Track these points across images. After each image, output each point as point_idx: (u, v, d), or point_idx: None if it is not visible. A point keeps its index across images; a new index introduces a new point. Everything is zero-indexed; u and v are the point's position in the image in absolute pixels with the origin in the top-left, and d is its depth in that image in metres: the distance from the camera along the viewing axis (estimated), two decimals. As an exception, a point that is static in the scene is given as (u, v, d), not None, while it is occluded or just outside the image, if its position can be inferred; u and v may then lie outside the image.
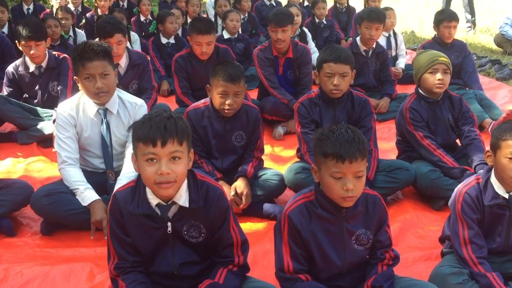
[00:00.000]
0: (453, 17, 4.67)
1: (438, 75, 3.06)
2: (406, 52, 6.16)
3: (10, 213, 2.75)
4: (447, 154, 3.06)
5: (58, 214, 2.65)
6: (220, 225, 1.99)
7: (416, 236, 2.72)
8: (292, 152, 3.82)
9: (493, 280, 2.05)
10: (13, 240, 2.64)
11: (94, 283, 2.29)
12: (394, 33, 5.95)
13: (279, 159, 3.82)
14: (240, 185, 2.92)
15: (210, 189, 1.98)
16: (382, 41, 5.60)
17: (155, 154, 1.80)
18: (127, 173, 2.75)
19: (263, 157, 3.27)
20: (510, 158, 2.05)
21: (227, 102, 2.92)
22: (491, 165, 2.17)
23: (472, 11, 8.60)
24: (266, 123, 4.31)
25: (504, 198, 2.14)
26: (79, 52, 2.76)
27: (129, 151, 2.86)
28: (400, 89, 5.10)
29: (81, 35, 6.14)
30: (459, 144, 3.26)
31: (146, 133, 1.79)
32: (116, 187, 2.62)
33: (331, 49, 3.07)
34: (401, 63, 5.78)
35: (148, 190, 1.92)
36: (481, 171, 2.70)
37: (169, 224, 1.95)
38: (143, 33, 7.06)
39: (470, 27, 8.62)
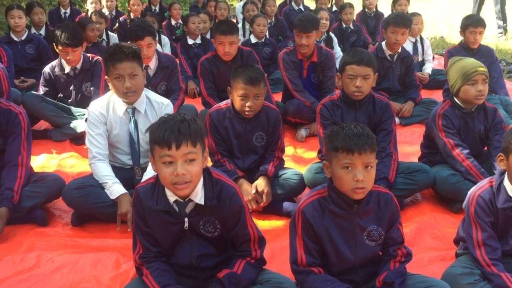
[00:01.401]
0: (479, 23, 4.65)
1: (479, 86, 2.99)
2: (433, 57, 6.14)
3: (43, 205, 2.92)
4: (476, 165, 2.99)
5: (88, 206, 2.80)
6: (235, 223, 2.07)
7: (433, 237, 2.75)
8: (314, 154, 3.88)
9: (506, 280, 2.08)
10: (45, 229, 2.80)
11: (120, 271, 2.42)
12: (421, 39, 5.95)
13: (301, 160, 3.90)
14: (261, 183, 3.01)
15: (224, 188, 2.07)
16: (408, 46, 5.62)
17: (170, 156, 1.89)
18: (152, 170, 2.88)
19: (285, 157, 3.36)
20: None
21: (247, 104, 3.01)
22: (504, 169, 2.19)
23: (504, 18, 8.48)
24: (289, 125, 4.41)
25: (516, 201, 2.16)
26: (110, 53, 2.91)
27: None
28: (426, 94, 5.12)
29: (114, 38, 6.37)
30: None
31: (161, 136, 1.88)
32: (142, 182, 2.76)
33: (354, 52, 3.13)
34: (428, 68, 5.77)
35: (166, 188, 2.03)
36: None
37: (186, 219, 2.05)
38: (174, 37, 7.25)
39: (501, 33, 8.50)
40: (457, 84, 3.07)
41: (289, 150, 3.98)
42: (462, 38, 4.81)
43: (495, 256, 2.13)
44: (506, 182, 2.17)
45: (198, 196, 2.02)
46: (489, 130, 3.15)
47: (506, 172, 2.17)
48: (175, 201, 2.03)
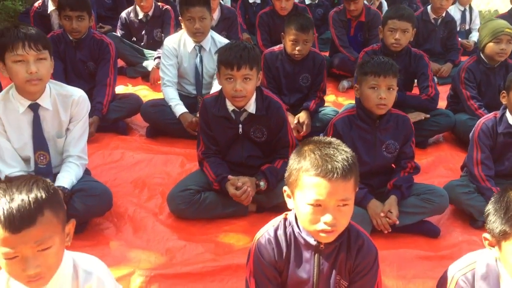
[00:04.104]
0: None
1: (502, 45, 3.37)
2: (481, 27, 6.33)
3: (125, 118, 3.59)
4: (486, 113, 3.36)
5: (160, 121, 3.44)
6: (278, 131, 2.63)
7: (446, 169, 3.22)
8: (353, 102, 4.34)
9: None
10: (126, 137, 3.48)
11: (184, 169, 3.06)
12: (470, 8, 6.16)
13: (340, 106, 4.35)
14: (302, 116, 3.53)
15: (272, 103, 2.63)
16: (457, 14, 5.87)
17: (232, 75, 2.45)
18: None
19: (327, 103, 3.85)
20: None
21: (297, 48, 3.52)
22: (505, 104, 2.61)
23: None
24: (333, 77, 4.86)
25: (515, 128, 2.60)
26: (185, -3, 3.47)
27: (217, 82, 3.56)
28: (468, 60, 5.40)
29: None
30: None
31: (226, 58, 2.46)
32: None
33: (396, 7, 3.56)
34: (474, 36, 5.99)
35: (227, 99, 2.59)
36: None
37: (240, 126, 2.62)
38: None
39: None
40: (484, 41, 3.45)
41: (331, 97, 4.46)
42: (512, 5, 5.03)
43: (489, 174, 2.59)
44: (507, 113, 2.60)
45: (251, 107, 2.57)
46: None
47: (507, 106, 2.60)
48: (233, 110, 2.60)
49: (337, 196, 1.43)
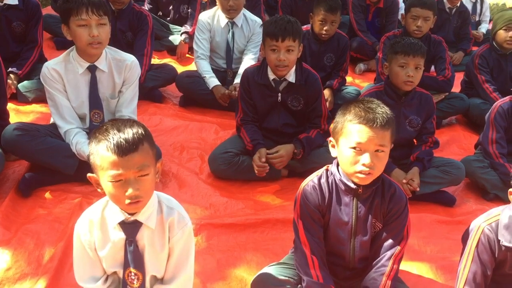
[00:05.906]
0: None
1: (511, 33, 3.61)
2: (491, 20, 6.55)
3: (160, 87, 3.81)
4: (501, 96, 3.66)
5: (193, 91, 3.67)
6: (314, 100, 2.86)
7: (459, 147, 3.48)
8: (371, 84, 4.57)
9: (510, 169, 2.79)
10: (161, 105, 3.70)
11: (219, 135, 3.29)
12: (481, 0, 6.37)
13: (358, 87, 4.59)
14: (326, 93, 3.76)
15: (310, 74, 2.86)
16: (468, 5, 6.07)
17: (276, 46, 2.67)
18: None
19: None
20: None
21: (324, 28, 3.74)
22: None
23: None
24: (350, 60, 5.06)
25: (530, 111, 2.86)
26: (221, -25, 3.67)
27: (247, 57, 3.78)
28: (477, 51, 5.63)
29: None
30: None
31: (272, 30, 2.67)
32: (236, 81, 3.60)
33: None
34: (483, 28, 6.22)
35: (268, 68, 2.82)
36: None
37: (279, 94, 2.85)
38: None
39: None
40: (495, 28, 3.70)
41: (348, 79, 4.66)
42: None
43: (503, 152, 2.85)
44: (523, 97, 2.86)
45: (291, 76, 2.80)
46: None
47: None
48: (273, 79, 2.82)
49: (376, 141, 1.68)
